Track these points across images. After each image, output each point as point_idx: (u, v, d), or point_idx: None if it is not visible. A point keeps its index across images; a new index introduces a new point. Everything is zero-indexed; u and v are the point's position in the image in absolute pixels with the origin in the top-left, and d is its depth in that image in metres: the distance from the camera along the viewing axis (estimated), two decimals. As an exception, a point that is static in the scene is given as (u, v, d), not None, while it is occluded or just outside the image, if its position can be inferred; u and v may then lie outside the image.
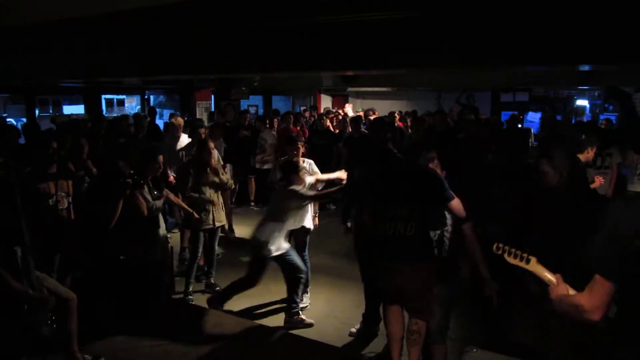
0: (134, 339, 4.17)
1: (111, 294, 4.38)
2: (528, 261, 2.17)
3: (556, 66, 6.44)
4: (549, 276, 2.11)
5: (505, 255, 2.24)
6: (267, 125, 9.39)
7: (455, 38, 4.80)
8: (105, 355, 3.83)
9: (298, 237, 5.05)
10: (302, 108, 15.55)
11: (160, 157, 4.82)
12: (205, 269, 5.62)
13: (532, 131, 10.78)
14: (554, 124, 10.53)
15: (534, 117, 13.88)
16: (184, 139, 6.99)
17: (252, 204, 9.38)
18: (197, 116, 11.63)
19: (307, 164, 5.17)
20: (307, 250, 5.09)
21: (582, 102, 14.71)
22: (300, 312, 4.67)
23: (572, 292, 2.00)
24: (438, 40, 4.89)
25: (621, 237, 1.78)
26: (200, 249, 5.32)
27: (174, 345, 4.10)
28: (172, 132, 7.31)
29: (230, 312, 4.78)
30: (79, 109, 11.96)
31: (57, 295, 3.51)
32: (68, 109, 11.93)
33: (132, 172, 4.40)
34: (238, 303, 4.91)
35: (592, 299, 1.85)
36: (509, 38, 4.52)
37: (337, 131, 10.01)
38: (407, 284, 3.43)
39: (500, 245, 2.25)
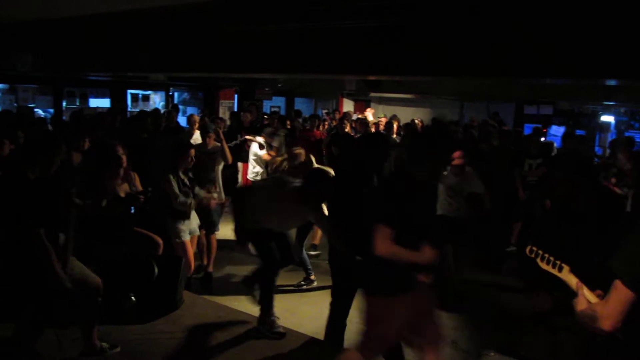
0: (150, 330, 4.24)
1: (129, 286, 4.46)
2: (561, 269, 2.13)
3: (581, 79, 6.38)
4: (581, 288, 2.06)
5: (538, 260, 2.20)
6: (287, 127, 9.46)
7: (479, 47, 4.79)
8: (122, 345, 3.90)
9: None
10: (323, 111, 15.60)
11: (192, 151, 5.09)
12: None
13: (554, 145, 10.66)
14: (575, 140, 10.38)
15: (557, 131, 13.72)
16: (197, 137, 7.09)
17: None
18: (220, 115, 11.74)
19: None
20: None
21: (607, 118, 14.50)
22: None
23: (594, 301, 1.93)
24: (462, 48, 4.89)
25: None
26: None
27: (188, 338, 4.17)
28: (189, 126, 7.49)
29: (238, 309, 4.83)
30: (104, 103, 12.16)
31: (84, 280, 3.59)
32: (94, 102, 12.14)
33: (149, 189, 4.58)
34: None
35: (606, 306, 1.78)
36: (534, 49, 4.50)
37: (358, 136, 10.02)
38: None
39: (534, 248, 2.21)
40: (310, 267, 5.79)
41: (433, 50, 5.02)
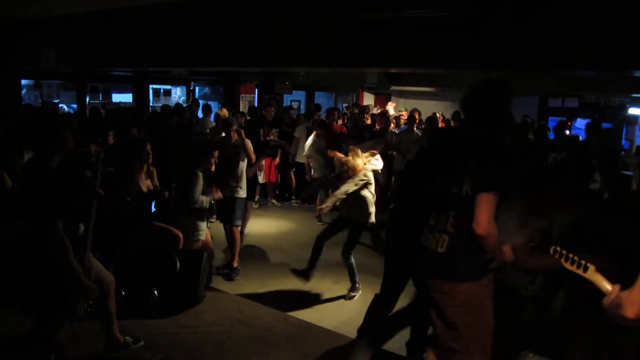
0: (172, 324, 4.28)
1: (151, 281, 4.50)
2: (586, 269, 2.09)
3: (607, 71, 6.24)
4: (607, 286, 2.03)
5: (562, 260, 2.17)
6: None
7: (503, 39, 4.71)
8: (145, 339, 3.93)
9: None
10: (344, 105, 15.54)
11: (216, 152, 5.13)
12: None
13: (579, 138, 10.46)
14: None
15: (582, 124, 13.45)
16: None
17: (293, 198, 9.46)
18: (241, 110, 11.78)
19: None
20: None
21: (635, 111, 14.16)
22: None
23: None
24: (485, 40, 4.81)
25: None
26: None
27: (211, 332, 4.19)
28: (217, 123, 7.47)
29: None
30: (127, 98, 12.28)
31: (99, 277, 3.62)
32: (117, 97, 12.26)
33: (173, 184, 4.61)
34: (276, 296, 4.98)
35: (631, 294, 1.75)
36: (559, 41, 4.40)
37: (379, 128, 9.97)
38: None
39: (558, 249, 2.17)
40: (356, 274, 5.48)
41: (460, 42, 4.95)
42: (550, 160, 7.38)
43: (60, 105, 11.17)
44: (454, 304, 2.64)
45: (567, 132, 9.61)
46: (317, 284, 5.63)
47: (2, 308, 3.90)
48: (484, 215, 2.48)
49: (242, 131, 5.78)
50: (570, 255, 2.14)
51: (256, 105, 12.77)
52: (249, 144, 5.73)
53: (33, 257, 3.33)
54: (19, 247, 3.36)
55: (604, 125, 11.70)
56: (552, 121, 11.78)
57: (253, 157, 5.80)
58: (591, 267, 2.08)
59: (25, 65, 9.35)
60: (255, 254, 6.49)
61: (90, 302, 3.68)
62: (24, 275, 3.43)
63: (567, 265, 2.14)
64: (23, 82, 10.77)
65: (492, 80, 2.84)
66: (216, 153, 5.19)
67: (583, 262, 2.10)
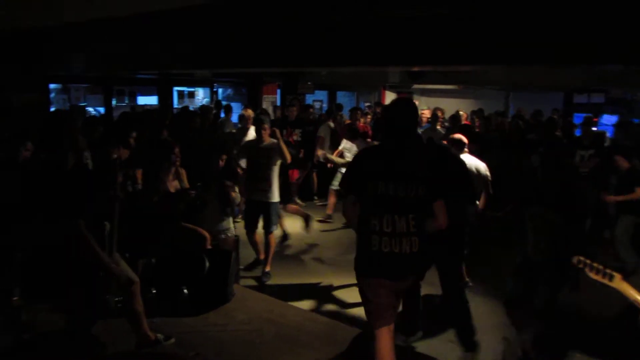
0: (202, 323, 4.33)
1: (181, 280, 4.57)
2: (612, 278, 2.07)
3: (634, 66, 6.12)
4: (635, 295, 2.01)
5: (587, 270, 2.15)
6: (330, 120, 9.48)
7: (525, 34, 4.66)
8: (175, 336, 3.99)
9: None
10: (366, 104, 15.53)
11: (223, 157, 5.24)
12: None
13: (606, 135, 10.30)
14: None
15: (609, 120, 13.24)
16: (252, 132, 7.14)
17: (316, 197, 9.48)
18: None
19: None
20: None
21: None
22: None
23: None
24: (507, 36, 4.77)
25: None
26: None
27: (240, 331, 4.23)
28: (242, 123, 7.49)
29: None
30: (152, 100, 12.47)
31: (123, 277, 3.68)
32: (142, 100, 12.46)
33: (199, 184, 4.66)
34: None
35: None
36: (584, 33, 4.34)
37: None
38: None
39: (582, 259, 2.16)
40: None
41: (481, 38, 4.92)
42: (577, 158, 7.28)
43: (87, 108, 11.39)
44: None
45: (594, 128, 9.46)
46: (346, 283, 5.67)
47: (35, 305, 3.97)
48: (443, 214, 2.96)
49: (277, 130, 5.54)
50: (595, 265, 2.13)
51: (278, 105, 12.84)
52: (284, 144, 5.47)
53: (61, 255, 3.39)
54: (48, 246, 3.42)
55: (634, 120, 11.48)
56: (578, 117, 11.61)
57: (289, 156, 5.48)
58: (617, 276, 2.07)
59: (54, 70, 9.55)
60: (282, 254, 6.52)
61: (120, 298, 3.76)
62: (56, 272, 3.49)
63: (592, 275, 2.14)
64: (51, 86, 11.00)
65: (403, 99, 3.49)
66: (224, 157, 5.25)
67: (608, 271, 2.09)
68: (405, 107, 3.07)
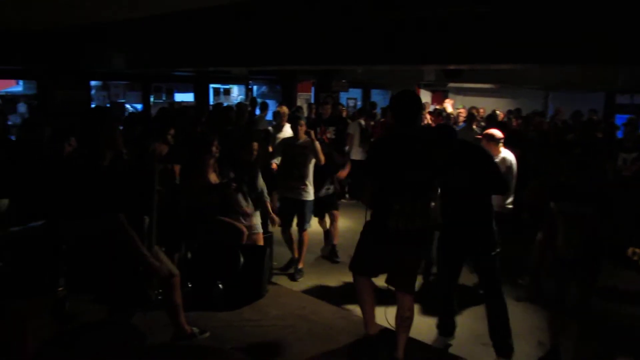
0: (236, 317, 4.39)
1: (216, 275, 4.64)
2: None
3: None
4: None
5: None
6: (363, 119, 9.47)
7: (570, 32, 4.56)
8: (210, 330, 4.06)
9: None
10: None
11: (255, 145, 5.21)
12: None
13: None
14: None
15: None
16: (287, 129, 7.18)
17: (346, 196, 9.48)
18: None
19: None
20: None
21: None
22: None
23: None
24: (547, 34, 4.68)
25: None
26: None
27: (273, 327, 4.28)
28: (277, 121, 7.55)
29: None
30: (188, 97, 12.68)
31: (164, 269, 3.76)
32: (179, 97, 12.68)
33: (233, 177, 4.72)
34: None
35: None
36: (629, 32, 4.22)
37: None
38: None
39: (637, 250, 2.12)
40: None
41: (520, 36, 4.84)
42: (620, 161, 7.07)
43: (125, 105, 11.66)
44: None
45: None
46: (378, 281, 5.64)
47: (77, 296, 4.08)
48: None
49: (312, 132, 5.52)
50: None
51: (312, 102, 12.88)
52: (318, 144, 5.45)
53: (103, 248, 3.48)
54: (91, 239, 3.51)
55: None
56: (620, 119, 11.27)
57: (322, 158, 5.48)
58: None
59: (95, 67, 9.81)
60: (314, 251, 6.55)
61: (160, 290, 3.85)
62: (98, 264, 3.58)
63: None
64: (92, 83, 11.30)
65: (407, 91, 3.62)
66: (255, 145, 5.22)
67: None
68: (408, 99, 3.50)
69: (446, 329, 4.37)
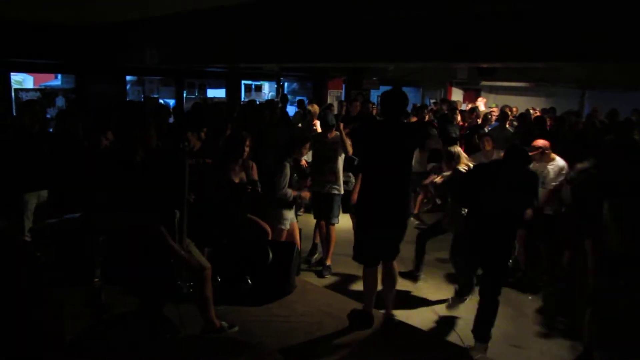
0: (264, 313, 4.45)
1: (245, 270, 4.70)
2: None
3: None
4: None
5: None
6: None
7: (606, 29, 4.46)
8: (238, 325, 4.12)
9: None
10: (431, 100, 15.30)
11: (307, 145, 5.40)
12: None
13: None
14: None
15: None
16: (318, 127, 7.21)
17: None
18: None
19: None
20: None
21: None
22: None
23: None
24: (585, 32, 4.58)
25: None
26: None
27: (301, 323, 4.31)
28: (308, 119, 7.59)
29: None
30: (220, 93, 12.81)
31: (196, 262, 3.83)
32: (211, 93, 12.82)
33: (255, 179, 4.80)
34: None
35: None
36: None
37: (466, 125, 9.76)
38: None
39: None
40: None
41: (558, 34, 4.75)
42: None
43: (159, 100, 11.86)
44: None
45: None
46: (404, 282, 5.66)
47: (112, 287, 4.18)
48: None
49: (342, 124, 5.62)
50: None
51: (343, 99, 12.88)
52: (347, 139, 5.45)
53: (137, 241, 3.55)
54: (125, 232, 3.59)
55: None
56: (661, 118, 10.92)
57: (350, 149, 5.49)
58: None
59: (131, 63, 10.01)
60: (340, 249, 6.54)
61: (191, 283, 3.91)
62: (132, 257, 3.66)
63: None
64: (127, 78, 11.54)
65: (395, 89, 4.17)
66: (308, 144, 5.34)
67: None
68: (394, 96, 4.02)
69: (462, 290, 4.75)
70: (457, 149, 5.49)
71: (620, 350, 3.81)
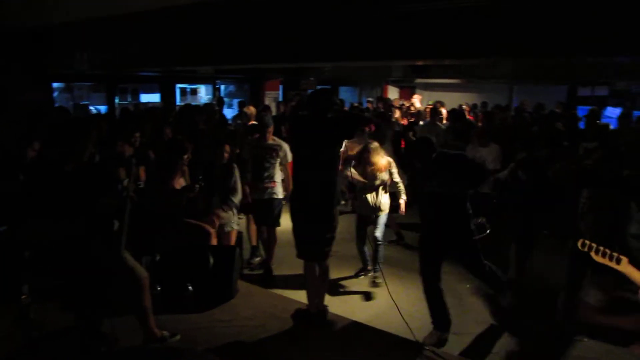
0: (207, 319, 4.36)
1: (186, 277, 4.60)
2: (619, 261, 2.07)
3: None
4: None
5: (592, 253, 2.14)
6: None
7: (530, 26, 4.65)
8: (181, 333, 4.02)
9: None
10: (367, 99, 15.50)
11: (227, 147, 5.32)
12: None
13: (610, 127, 10.25)
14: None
15: (612, 113, 13.19)
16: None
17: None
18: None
19: None
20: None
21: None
22: None
23: None
24: (512, 28, 4.75)
25: None
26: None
27: (245, 327, 4.26)
28: (243, 121, 7.52)
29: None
30: (154, 98, 12.49)
31: (133, 272, 3.71)
32: (145, 97, 12.49)
33: (201, 177, 4.70)
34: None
35: None
36: (589, 26, 4.32)
37: (406, 122, 9.97)
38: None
39: (587, 242, 2.15)
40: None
41: (486, 31, 4.91)
42: (581, 150, 7.25)
43: (89, 107, 11.43)
44: None
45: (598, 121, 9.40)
46: (347, 275, 5.74)
47: (43, 303, 4.00)
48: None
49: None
50: (601, 249, 2.12)
51: (281, 100, 12.85)
52: (286, 145, 5.51)
53: (68, 252, 3.41)
54: (55, 244, 3.44)
55: (635, 113, 11.43)
56: (582, 110, 11.56)
57: (290, 155, 5.43)
58: (624, 260, 2.06)
59: (58, 69, 9.58)
60: (285, 250, 6.52)
61: (122, 293, 3.79)
62: (63, 270, 3.51)
63: (598, 258, 2.12)
64: (54, 84, 11.03)
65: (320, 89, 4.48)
66: (227, 147, 5.37)
67: (615, 254, 2.08)
68: (318, 95, 4.23)
69: (440, 323, 4.36)
70: (375, 144, 5.56)
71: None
